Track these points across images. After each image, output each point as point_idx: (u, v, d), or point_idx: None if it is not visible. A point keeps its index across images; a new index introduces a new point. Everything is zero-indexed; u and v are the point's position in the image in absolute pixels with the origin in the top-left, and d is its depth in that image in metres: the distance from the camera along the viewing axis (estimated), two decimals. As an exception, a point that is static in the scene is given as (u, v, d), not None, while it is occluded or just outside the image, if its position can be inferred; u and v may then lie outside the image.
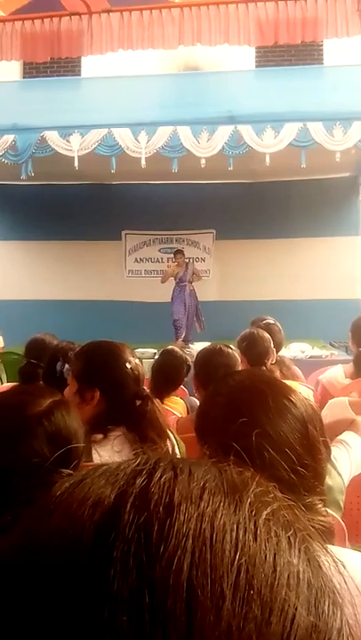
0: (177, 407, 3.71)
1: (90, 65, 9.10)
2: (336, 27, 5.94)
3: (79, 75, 9.44)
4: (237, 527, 0.36)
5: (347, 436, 2.16)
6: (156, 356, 5.65)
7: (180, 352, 4.19)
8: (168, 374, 3.85)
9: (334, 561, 0.39)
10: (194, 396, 3.92)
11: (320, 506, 1.15)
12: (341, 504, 1.90)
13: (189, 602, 0.32)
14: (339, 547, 1.22)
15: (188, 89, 7.39)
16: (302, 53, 9.38)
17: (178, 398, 3.89)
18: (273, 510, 0.38)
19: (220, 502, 0.37)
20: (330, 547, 0.41)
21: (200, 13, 6.09)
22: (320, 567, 0.37)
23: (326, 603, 0.35)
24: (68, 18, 6.29)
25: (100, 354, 2.11)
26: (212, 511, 0.36)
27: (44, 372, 3.08)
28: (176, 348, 4.35)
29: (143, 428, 1.97)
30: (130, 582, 0.33)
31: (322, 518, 1.12)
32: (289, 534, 0.37)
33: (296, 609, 0.33)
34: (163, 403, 3.68)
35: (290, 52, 9.35)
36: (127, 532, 0.35)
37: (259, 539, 0.36)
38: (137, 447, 1.76)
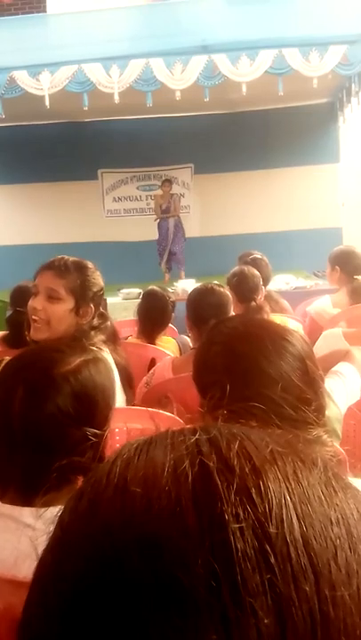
0: (169, 347, 3.73)
1: (54, 1, 8.76)
2: None
3: (44, 12, 9.09)
4: (319, 483, 0.38)
5: (341, 366, 2.20)
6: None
7: (162, 292, 4.16)
8: (153, 317, 3.83)
9: None
10: (184, 334, 3.94)
11: (325, 437, 1.19)
12: (340, 433, 1.96)
13: (309, 554, 0.34)
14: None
15: (159, 20, 7.12)
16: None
17: (169, 338, 3.90)
18: (324, 463, 0.40)
19: (294, 462, 0.39)
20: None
21: None
22: None
23: None
24: None
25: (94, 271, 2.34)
26: (292, 471, 0.38)
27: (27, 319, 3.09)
28: (156, 288, 4.30)
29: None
30: (251, 543, 0.34)
31: (329, 449, 1.16)
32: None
33: None
34: (154, 344, 3.70)
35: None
36: (228, 496, 0.35)
37: (340, 493, 0.38)
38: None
